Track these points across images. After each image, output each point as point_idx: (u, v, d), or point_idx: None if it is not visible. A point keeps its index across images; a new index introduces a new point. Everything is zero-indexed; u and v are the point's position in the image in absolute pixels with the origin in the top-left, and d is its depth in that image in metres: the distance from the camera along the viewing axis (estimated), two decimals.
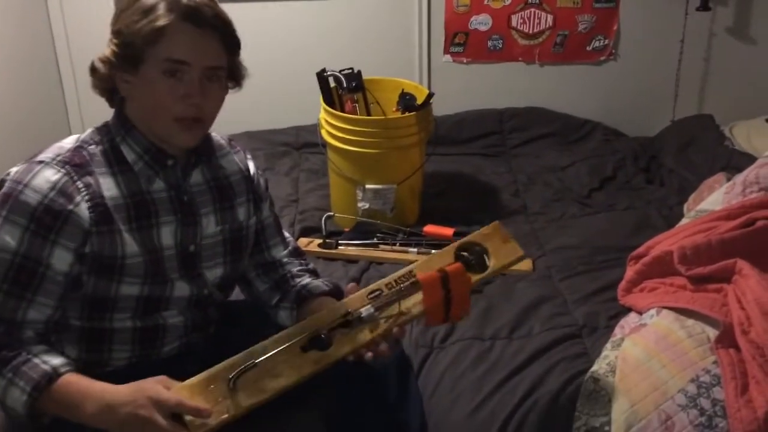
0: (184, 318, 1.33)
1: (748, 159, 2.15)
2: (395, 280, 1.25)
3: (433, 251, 1.99)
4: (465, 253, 1.28)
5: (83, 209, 1.18)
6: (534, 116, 2.74)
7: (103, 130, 1.26)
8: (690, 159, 2.43)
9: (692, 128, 2.58)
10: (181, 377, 1.26)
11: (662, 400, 1.35)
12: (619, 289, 1.73)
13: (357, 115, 2.20)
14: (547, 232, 2.14)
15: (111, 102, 1.28)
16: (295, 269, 1.44)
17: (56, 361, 1.17)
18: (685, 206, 2.12)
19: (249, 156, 1.44)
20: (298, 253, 1.49)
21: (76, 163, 1.20)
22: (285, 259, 1.46)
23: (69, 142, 1.25)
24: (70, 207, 1.17)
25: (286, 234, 1.51)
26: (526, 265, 1.94)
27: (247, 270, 1.44)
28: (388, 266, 1.98)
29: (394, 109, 2.20)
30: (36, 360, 1.15)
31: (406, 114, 2.12)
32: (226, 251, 1.35)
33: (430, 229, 2.12)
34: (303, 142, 2.66)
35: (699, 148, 2.46)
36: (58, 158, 1.20)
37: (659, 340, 1.46)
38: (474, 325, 1.66)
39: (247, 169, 1.40)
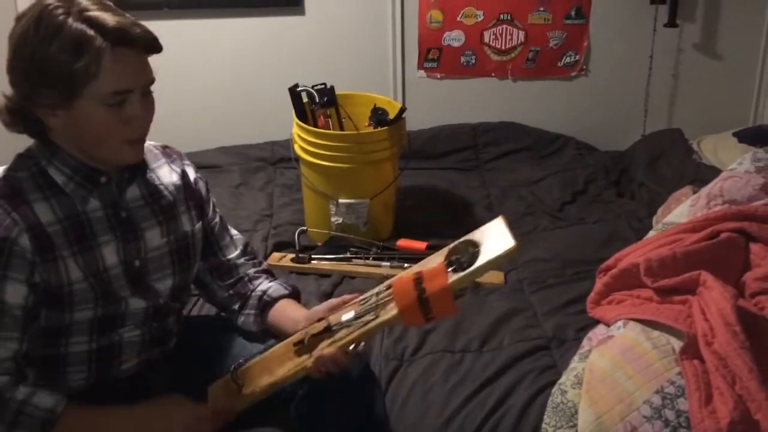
0: (141, 332, 1.33)
1: (715, 172, 2.19)
2: (386, 285, 1.26)
3: (405, 265, 2.02)
4: (457, 256, 1.23)
5: (24, 240, 1.15)
6: (507, 131, 2.77)
7: (27, 156, 1.23)
8: (659, 172, 2.47)
9: (662, 142, 2.63)
10: (145, 395, 1.30)
11: (628, 412, 1.37)
12: (588, 302, 1.75)
13: (330, 130, 2.21)
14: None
15: (29, 133, 1.22)
16: (250, 272, 1.47)
17: (47, 401, 1.17)
18: (654, 219, 2.15)
19: (186, 162, 1.43)
20: (248, 251, 1.51)
21: (6, 195, 1.17)
22: (239, 261, 1.47)
23: None
24: (12, 238, 1.14)
25: (233, 231, 1.52)
26: (497, 278, 1.95)
27: (202, 274, 1.45)
28: (360, 280, 1.99)
29: (366, 123, 2.22)
30: (28, 408, 1.16)
31: (378, 128, 2.14)
32: (173, 261, 1.34)
33: (403, 243, 2.13)
34: (278, 158, 2.66)
35: (668, 162, 2.50)
36: None
37: (625, 351, 1.47)
38: (445, 337, 1.67)
39: (185, 176, 1.39)
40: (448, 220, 2.33)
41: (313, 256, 2.06)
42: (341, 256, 2.07)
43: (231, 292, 1.45)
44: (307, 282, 1.97)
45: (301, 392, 1.34)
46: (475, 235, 1.24)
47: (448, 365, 1.58)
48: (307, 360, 1.24)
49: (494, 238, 1.20)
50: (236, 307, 1.45)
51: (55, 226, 1.19)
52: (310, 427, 1.35)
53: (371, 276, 2.00)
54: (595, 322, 1.69)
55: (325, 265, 2.05)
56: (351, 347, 1.23)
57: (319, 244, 2.15)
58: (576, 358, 1.54)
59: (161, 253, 1.32)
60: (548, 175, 2.57)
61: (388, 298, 1.24)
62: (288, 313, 1.41)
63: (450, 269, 1.20)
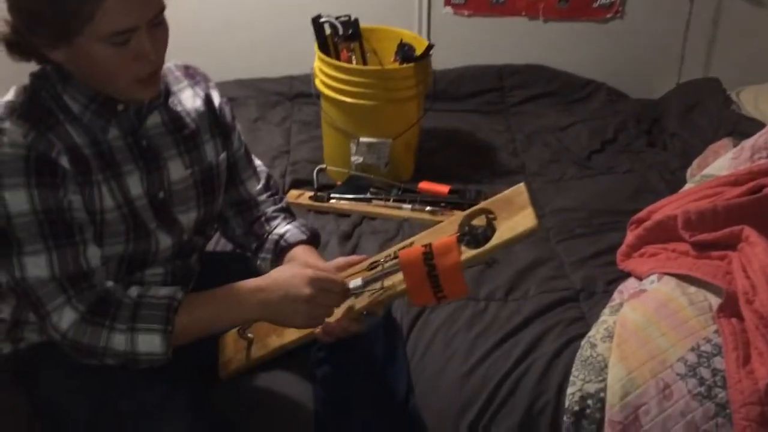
0: (165, 270, 1.27)
1: (756, 125, 2.09)
2: (393, 252, 1.17)
3: (427, 208, 1.96)
4: (474, 223, 1.15)
5: (65, 161, 1.08)
6: (535, 74, 2.65)
7: (42, 76, 1.13)
8: (694, 123, 2.36)
9: (698, 91, 2.51)
10: None
11: (660, 369, 1.31)
12: (619, 254, 1.68)
13: (353, 64, 2.11)
14: (545, 194, 2.09)
15: (36, 61, 1.11)
16: (269, 210, 1.39)
17: (164, 291, 1.13)
18: (689, 171, 2.06)
19: (212, 84, 1.32)
20: (270, 185, 1.43)
21: (38, 116, 1.08)
22: (260, 197, 1.39)
23: (14, 94, 1.11)
24: (53, 158, 1.07)
25: (257, 162, 1.44)
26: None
27: (223, 208, 1.38)
28: (380, 221, 1.93)
29: (391, 59, 2.12)
30: (145, 301, 1.11)
31: (404, 65, 2.04)
32: (198, 194, 1.27)
33: (424, 185, 2.05)
34: (296, 92, 2.57)
35: (704, 112, 2.38)
36: (15, 114, 1.07)
37: (659, 306, 1.41)
38: (469, 285, 1.59)
39: (210, 101, 1.30)
40: (471, 165, 2.25)
41: (332, 195, 2.00)
42: (361, 196, 2.00)
43: (248, 231, 1.39)
44: (325, 221, 1.91)
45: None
46: (494, 203, 1.13)
47: (472, 314, 1.52)
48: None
49: (514, 212, 1.10)
50: (253, 247, 1.38)
51: (87, 149, 1.12)
52: (331, 374, 1.30)
53: (392, 218, 1.94)
54: (626, 275, 1.62)
55: (345, 204, 1.98)
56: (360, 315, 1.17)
57: (338, 183, 2.08)
58: (606, 311, 1.47)
59: (185, 186, 1.25)
60: (576, 122, 2.46)
61: (396, 269, 1.15)
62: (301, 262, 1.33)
63: (463, 242, 1.12)
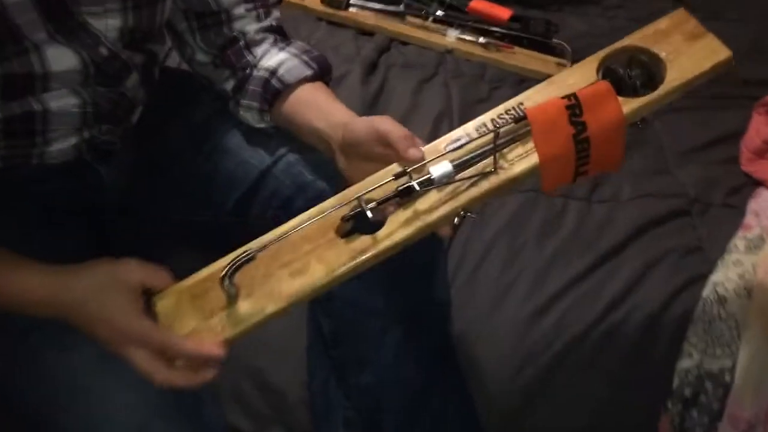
0: (81, 101, 0.82)
1: None
2: (492, 120, 0.74)
3: (480, 39, 1.43)
4: (618, 67, 0.77)
5: None
6: None
7: None
8: None
9: None
10: (93, 198, 0.86)
11: None
12: (745, 149, 1.21)
13: None
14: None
15: None
16: (250, 30, 0.91)
17: None
18: None
19: None
20: None
21: None
22: (235, 11, 0.90)
23: None
24: None
25: None
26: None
27: (175, 18, 0.90)
28: (414, 49, 1.42)
29: None
30: None
31: None
32: None
33: (478, 5, 1.49)
34: None
35: None
36: None
37: None
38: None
39: None
40: None
41: (351, 2, 1.45)
42: (392, 8, 1.46)
43: (219, 60, 0.91)
44: (341, 39, 1.40)
45: None
46: (645, 39, 0.77)
47: (544, 218, 1.07)
48: (369, 251, 0.70)
49: (685, 44, 0.75)
50: (229, 87, 0.91)
51: None
52: (347, 296, 0.88)
53: (431, 46, 1.42)
54: (753, 182, 1.17)
55: (368, 17, 1.45)
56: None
57: None
58: (739, 244, 1.03)
59: None
60: None
61: (515, 133, 0.72)
62: (314, 114, 0.86)
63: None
